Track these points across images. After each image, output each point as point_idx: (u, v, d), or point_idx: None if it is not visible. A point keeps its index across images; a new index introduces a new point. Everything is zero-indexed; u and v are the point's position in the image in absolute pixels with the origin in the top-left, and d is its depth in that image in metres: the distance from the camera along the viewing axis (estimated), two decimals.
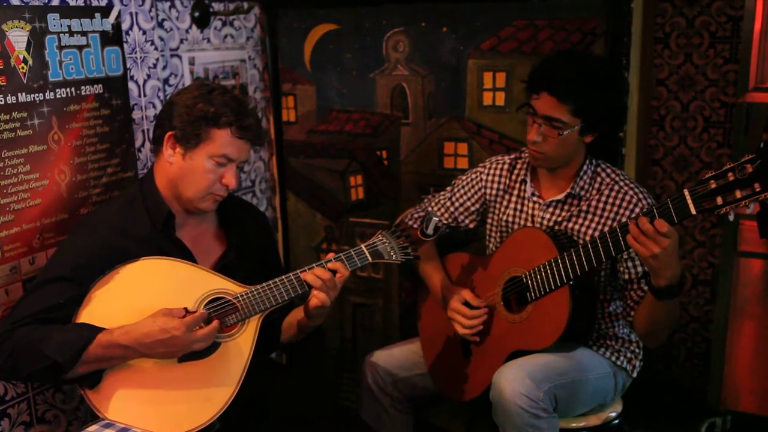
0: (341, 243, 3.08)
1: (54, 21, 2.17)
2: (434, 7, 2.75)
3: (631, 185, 2.12)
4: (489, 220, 2.34)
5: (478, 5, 2.67)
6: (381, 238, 2.01)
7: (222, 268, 2.03)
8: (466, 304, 2.19)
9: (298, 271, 1.95)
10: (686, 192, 1.74)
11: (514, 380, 1.99)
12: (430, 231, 2.04)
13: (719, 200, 1.70)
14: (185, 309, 1.85)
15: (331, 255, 1.98)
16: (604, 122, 2.09)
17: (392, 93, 2.90)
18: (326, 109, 3.03)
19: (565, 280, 2.00)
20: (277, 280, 1.94)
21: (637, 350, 2.24)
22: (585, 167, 2.14)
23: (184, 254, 2.00)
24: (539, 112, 2.05)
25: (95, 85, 2.32)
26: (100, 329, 1.81)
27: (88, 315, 1.86)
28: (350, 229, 3.07)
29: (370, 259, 1.99)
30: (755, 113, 2.68)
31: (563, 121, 2.03)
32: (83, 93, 2.28)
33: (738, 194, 1.67)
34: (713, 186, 1.70)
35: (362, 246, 1.99)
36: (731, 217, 1.71)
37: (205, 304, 1.91)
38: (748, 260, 2.75)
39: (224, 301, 1.93)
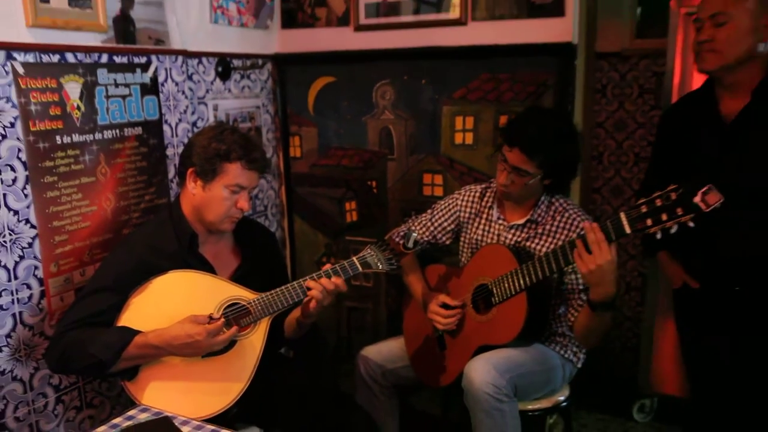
0: (338, 257, 3.06)
1: (102, 75, 2.15)
2: (415, 63, 2.76)
3: (578, 212, 2.11)
4: (462, 238, 2.32)
5: (451, 62, 2.68)
6: (370, 251, 2.00)
7: (238, 278, 2.01)
8: (444, 305, 2.17)
9: (300, 279, 1.93)
10: (622, 215, 1.73)
11: (482, 371, 1.97)
12: (410, 245, 2.02)
13: (649, 222, 1.68)
14: (209, 316, 1.83)
15: (328, 266, 1.95)
16: (563, 171, 2.08)
17: (380, 133, 2.90)
18: (326, 147, 3.02)
19: (523, 287, 1.99)
20: (283, 287, 1.91)
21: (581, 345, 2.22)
22: (542, 199, 2.13)
23: (206, 267, 1.97)
24: (510, 162, 2.04)
25: (136, 128, 2.29)
26: (137, 332, 1.79)
27: (127, 319, 1.84)
28: (346, 246, 3.06)
29: (360, 269, 1.97)
30: None
31: (529, 172, 2.02)
32: (126, 134, 2.26)
33: (664, 217, 1.66)
34: (644, 210, 1.69)
35: (354, 258, 1.97)
36: (658, 236, 1.69)
37: (224, 309, 1.89)
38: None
39: (239, 306, 1.90)
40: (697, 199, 1.59)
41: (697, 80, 2.52)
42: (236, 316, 1.89)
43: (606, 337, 3.14)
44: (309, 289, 1.90)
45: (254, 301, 1.91)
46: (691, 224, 1.62)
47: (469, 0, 2.62)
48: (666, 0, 2.62)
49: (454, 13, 2.66)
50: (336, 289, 1.91)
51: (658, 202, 1.66)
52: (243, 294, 1.92)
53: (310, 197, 3.10)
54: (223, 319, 1.83)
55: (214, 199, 1.93)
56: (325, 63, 2.94)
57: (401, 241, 2.02)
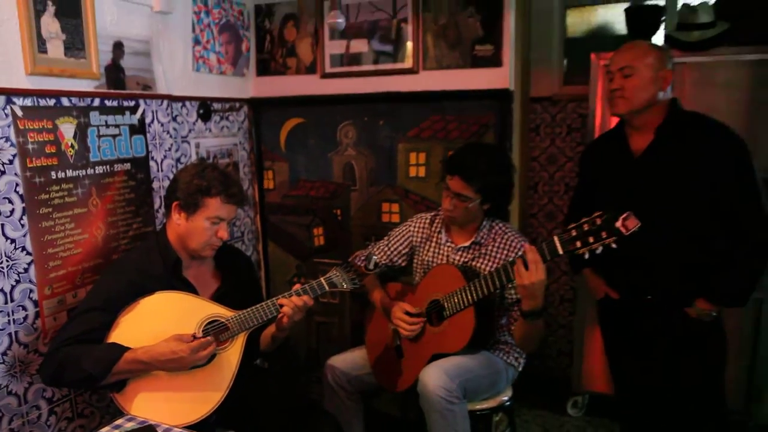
0: (308, 277, 3.04)
1: (95, 117, 2.14)
2: (374, 106, 2.80)
3: (516, 234, 2.15)
4: (415, 260, 2.34)
5: (405, 105, 2.73)
6: (335, 272, 2.00)
7: (218, 298, 1.99)
8: (407, 313, 2.18)
9: (274, 298, 1.92)
10: (556, 238, 1.77)
11: (435, 376, 1.98)
12: (371, 266, 2.03)
13: (578, 244, 1.72)
14: (193, 335, 1.81)
15: (297, 286, 1.95)
16: (499, 196, 2.13)
17: (344, 168, 2.91)
18: (296, 180, 3.02)
19: (470, 302, 2.01)
20: (258, 306, 1.91)
21: (521, 351, 2.25)
22: (484, 223, 2.17)
23: (189, 289, 1.95)
24: (452, 189, 2.08)
25: (125, 164, 2.27)
26: (126, 348, 1.75)
27: (116, 336, 1.81)
28: (314, 267, 3.04)
29: (327, 288, 1.97)
30: None
31: (469, 197, 2.06)
32: (116, 169, 2.23)
33: (591, 240, 1.70)
34: (574, 234, 1.73)
35: (322, 279, 1.98)
36: (586, 256, 1.74)
37: (205, 325, 1.87)
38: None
39: (219, 323, 1.89)
40: (618, 224, 1.64)
41: (615, 121, 2.63)
42: (216, 331, 1.88)
43: (543, 342, 3.20)
44: (282, 306, 1.90)
45: (232, 318, 1.89)
46: (614, 246, 1.67)
47: (420, 52, 2.69)
48: (587, 53, 2.72)
49: (408, 63, 2.71)
50: (305, 306, 1.91)
51: (586, 227, 1.71)
52: (222, 312, 1.90)
53: (282, 224, 3.08)
54: (205, 339, 1.80)
55: (197, 229, 1.91)
56: (295, 106, 2.95)
57: (363, 263, 2.03)
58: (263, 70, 3.03)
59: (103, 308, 1.81)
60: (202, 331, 1.86)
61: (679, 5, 2.79)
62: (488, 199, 2.09)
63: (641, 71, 1.89)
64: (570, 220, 1.86)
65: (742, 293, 1.92)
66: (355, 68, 2.82)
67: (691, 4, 2.53)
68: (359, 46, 2.80)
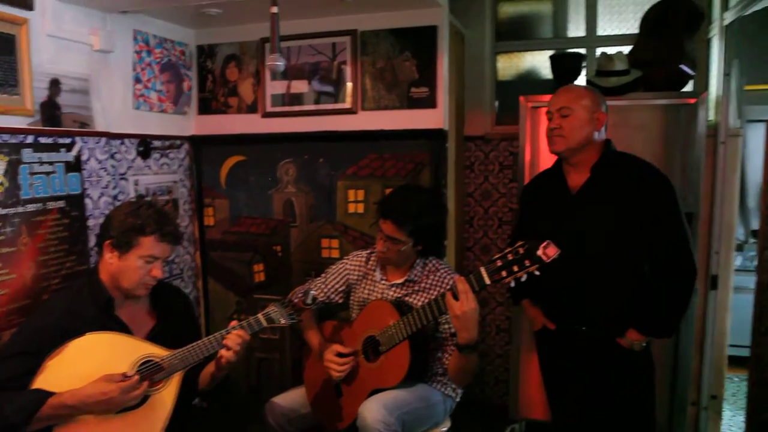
0: (248, 313, 2.95)
1: (27, 154, 2.05)
2: (314, 145, 2.80)
3: (448, 270, 2.17)
4: (352, 297, 2.32)
5: (344, 144, 2.74)
6: (273, 308, 1.96)
7: (153, 337, 1.91)
8: (338, 354, 2.15)
9: (210, 336, 1.86)
10: (482, 269, 1.79)
11: (374, 411, 1.95)
12: (309, 302, 2.00)
13: (504, 273, 1.76)
14: (123, 374, 1.72)
15: (235, 323, 1.90)
16: (431, 238, 2.14)
17: (284, 204, 2.89)
18: (237, 216, 2.98)
19: (405, 336, 2.00)
20: (194, 344, 1.84)
21: None
22: (418, 261, 2.18)
23: (123, 329, 1.87)
24: (385, 232, 2.08)
25: (59, 201, 2.18)
26: (51, 393, 1.65)
27: (42, 381, 1.70)
28: (254, 303, 2.98)
29: (265, 324, 1.93)
30: None
31: (401, 240, 2.07)
32: (48, 207, 2.14)
33: (515, 269, 1.73)
34: (500, 264, 1.76)
35: (260, 315, 1.93)
36: (512, 284, 1.77)
37: (139, 366, 1.79)
38: None
39: (153, 363, 1.81)
40: (539, 252, 1.69)
41: (543, 158, 2.71)
42: (150, 372, 1.79)
43: (480, 371, 3.21)
44: (220, 343, 1.84)
45: (167, 358, 1.82)
46: (537, 273, 1.72)
47: (359, 93, 2.72)
48: (516, 95, 2.81)
49: (348, 104, 2.74)
50: (244, 342, 1.86)
51: (510, 257, 1.74)
52: (157, 351, 1.83)
53: (222, 260, 3.02)
54: (137, 376, 1.72)
55: (129, 268, 1.85)
56: (236, 144, 2.92)
57: (301, 299, 2.00)
58: (205, 108, 2.99)
59: (29, 352, 1.70)
60: (136, 371, 1.77)
61: (598, 54, 2.93)
62: (420, 241, 2.11)
63: (578, 112, 1.97)
64: None
65: (669, 324, 1.99)
66: (296, 108, 2.82)
67: (608, 53, 2.66)
68: (300, 86, 2.81)
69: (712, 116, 2.90)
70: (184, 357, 1.82)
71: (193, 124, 3.00)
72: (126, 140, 2.56)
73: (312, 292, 2.00)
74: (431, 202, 2.13)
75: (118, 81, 2.50)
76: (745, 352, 2.42)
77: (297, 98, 2.82)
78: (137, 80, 2.60)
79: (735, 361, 3.20)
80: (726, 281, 2.85)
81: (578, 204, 2.01)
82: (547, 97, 2.73)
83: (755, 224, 3.90)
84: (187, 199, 3.00)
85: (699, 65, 2.86)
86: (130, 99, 2.56)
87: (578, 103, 1.97)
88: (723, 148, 2.78)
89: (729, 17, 2.70)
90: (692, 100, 2.52)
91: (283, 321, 1.95)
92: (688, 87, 2.75)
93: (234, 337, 1.84)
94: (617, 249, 1.95)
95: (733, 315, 2.89)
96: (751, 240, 4.02)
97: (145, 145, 2.67)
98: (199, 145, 2.99)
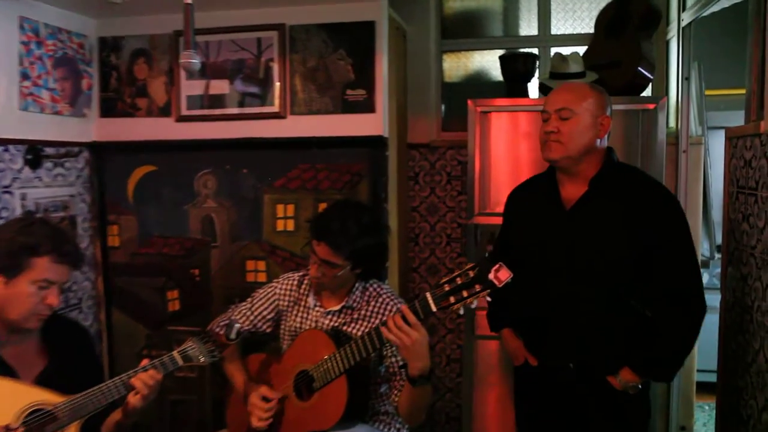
0: (160, 349, 2.90)
1: None
2: (236, 154, 2.79)
3: (391, 295, 2.18)
4: (282, 326, 2.30)
5: (271, 153, 2.74)
6: (191, 344, 1.92)
7: (43, 380, 1.83)
8: (264, 398, 2.12)
9: (116, 378, 1.81)
10: (428, 294, 1.80)
11: None
12: (233, 335, 1.97)
13: (452, 299, 1.77)
14: (6, 427, 1.64)
15: (146, 361, 1.85)
16: (371, 260, 2.15)
17: (203, 221, 2.86)
18: (147, 236, 2.93)
19: (342, 370, 1.99)
20: (95, 388, 1.78)
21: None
22: (357, 285, 2.19)
23: (6, 371, 1.78)
24: (319, 255, 2.07)
25: None
26: None
27: None
28: (168, 337, 2.92)
29: (181, 362, 1.88)
30: (481, 231, 2.89)
31: (338, 264, 2.07)
32: None
33: (465, 294, 1.75)
34: (447, 288, 1.78)
35: (175, 353, 1.89)
36: (461, 312, 1.78)
37: (26, 417, 1.70)
38: (485, 341, 2.86)
39: (44, 412, 1.73)
40: (491, 275, 1.71)
41: (495, 167, 2.78)
42: (40, 423, 1.72)
43: (429, 408, 3.23)
44: (127, 386, 1.79)
45: (61, 405, 1.75)
46: (488, 299, 1.75)
47: (288, 95, 2.72)
48: (465, 98, 2.87)
49: (275, 107, 2.74)
50: (156, 384, 1.82)
51: (459, 281, 1.76)
52: (48, 398, 1.75)
53: (130, 287, 2.96)
54: (22, 429, 1.65)
55: (19, 295, 1.77)
56: (146, 152, 2.88)
57: (223, 332, 1.97)
58: (108, 110, 2.93)
59: None
60: (22, 422, 1.70)
61: (552, 54, 3.04)
62: (359, 264, 2.11)
63: (580, 115, 1.90)
64: None
65: (670, 366, 1.93)
66: (216, 111, 2.80)
67: (563, 54, 2.76)
68: (220, 86, 2.80)
69: (672, 123, 3.06)
70: (81, 404, 1.76)
71: (93, 128, 2.93)
72: (10, 147, 2.47)
73: (236, 325, 1.98)
74: (371, 220, 2.14)
75: (0, 77, 2.41)
76: (715, 378, 2.52)
77: (217, 100, 2.81)
78: (24, 76, 2.52)
79: (704, 388, 3.32)
80: None
81: (572, 221, 1.96)
82: (498, 101, 2.84)
83: (721, 238, 4.08)
84: (86, 216, 2.92)
85: (658, 68, 3.01)
86: (15, 98, 2.48)
87: (581, 104, 1.91)
88: (684, 156, 2.92)
89: (687, 18, 2.87)
90: (651, 106, 2.64)
91: (202, 359, 1.90)
92: (647, 91, 2.88)
93: (143, 379, 1.79)
94: (614, 275, 1.90)
95: (700, 337, 3.04)
96: (717, 256, 4.20)
97: (35, 153, 2.58)
98: (101, 153, 2.93)
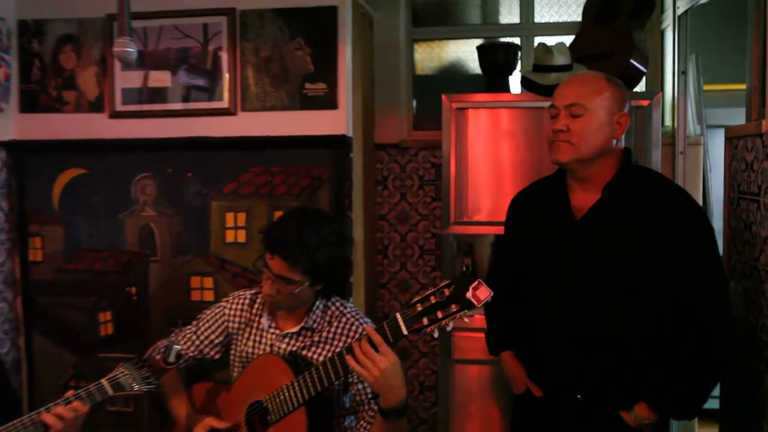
0: (90, 379, 2.83)
1: None
2: (180, 155, 2.77)
3: (357, 315, 2.18)
4: (232, 351, 2.28)
5: (220, 154, 2.73)
6: (123, 370, 1.90)
7: None
8: (212, 430, 2.09)
9: (33, 413, 1.77)
10: (398, 315, 1.80)
11: None
12: (171, 359, 1.95)
13: (425, 321, 1.77)
14: None
15: (70, 393, 1.83)
16: (333, 275, 2.14)
17: (140, 232, 2.84)
18: (75, 249, 2.89)
19: (301, 401, 1.98)
20: (10, 424, 1.74)
21: None
22: (317, 304, 2.18)
23: None
24: (273, 271, 2.06)
25: None
26: None
27: None
28: (100, 365, 2.87)
29: (111, 392, 1.87)
30: (458, 242, 2.91)
31: (295, 280, 2.05)
32: None
33: (439, 314, 1.75)
34: (420, 309, 1.78)
35: (103, 381, 1.87)
36: (435, 335, 1.79)
37: None
38: (464, 366, 2.87)
39: None
40: (469, 294, 1.72)
41: (473, 171, 2.80)
42: None
43: None
44: (37, 425, 1.75)
45: None
46: (466, 320, 1.74)
47: (239, 89, 2.71)
48: (439, 93, 2.89)
49: (224, 102, 2.72)
50: (76, 419, 1.78)
51: (433, 300, 1.76)
52: None
53: (55, 309, 2.92)
54: None
55: None
56: (75, 152, 2.86)
57: (161, 356, 1.95)
58: (30, 105, 2.90)
59: None
60: None
61: (535, 44, 3.08)
62: (319, 280, 2.10)
63: (594, 111, 1.88)
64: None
65: (693, 402, 1.89)
66: (156, 107, 2.79)
67: (547, 44, 2.79)
68: (162, 79, 2.78)
69: (668, 121, 3.11)
70: None
71: (12, 125, 2.90)
72: None
73: (176, 347, 1.96)
74: (333, 230, 2.13)
75: None
76: (717, 404, 2.54)
77: (158, 94, 2.79)
78: None
79: (707, 416, 3.34)
80: None
81: (582, 232, 1.94)
82: (476, 97, 2.87)
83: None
84: (3, 226, 2.89)
85: (652, 61, 3.07)
86: None
87: (595, 99, 1.89)
88: (682, 158, 2.98)
89: (683, 5, 2.93)
90: (645, 102, 2.69)
91: (136, 387, 1.89)
92: (640, 86, 2.94)
93: (60, 413, 1.76)
94: (630, 297, 1.89)
95: None
96: None
97: None
98: (21, 153, 2.90)
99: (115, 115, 2.82)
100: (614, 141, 1.92)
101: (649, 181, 1.96)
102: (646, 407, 1.89)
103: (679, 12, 2.97)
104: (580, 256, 1.93)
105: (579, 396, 1.96)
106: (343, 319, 2.17)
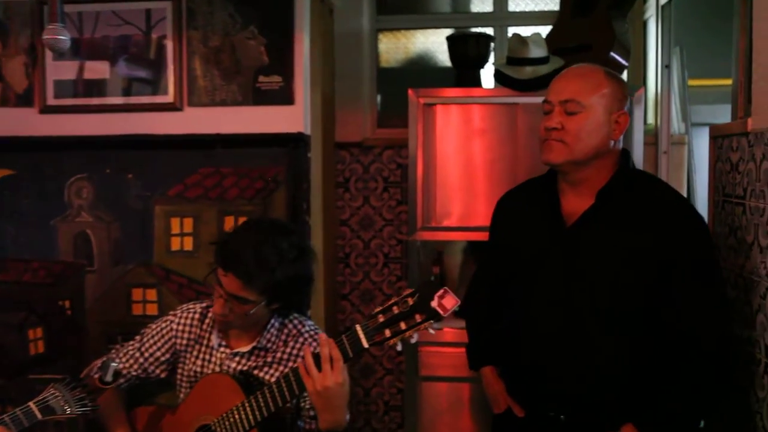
0: (18, 404, 2.79)
1: None
2: (120, 154, 2.76)
3: (314, 334, 2.18)
4: (179, 370, 2.27)
5: (164, 153, 2.72)
6: (53, 391, 1.89)
7: None
8: None
9: None
10: (358, 327, 1.81)
11: None
12: (109, 378, 1.94)
13: (387, 333, 1.79)
14: None
15: None
16: (291, 294, 2.14)
17: (75, 240, 2.82)
18: (0, 259, 2.86)
19: (253, 424, 1.98)
20: None
21: None
22: (273, 322, 2.18)
23: None
24: (226, 289, 2.05)
25: None
26: None
27: None
28: (30, 387, 2.81)
29: (39, 416, 1.85)
30: (425, 249, 2.93)
31: (250, 300, 2.05)
32: None
33: (403, 326, 1.77)
34: (381, 320, 1.79)
35: (31, 404, 1.85)
36: (399, 348, 1.81)
37: None
38: (432, 384, 2.90)
39: None
40: (434, 303, 1.74)
41: (442, 172, 2.83)
42: None
43: None
44: None
45: None
46: (432, 331, 1.77)
47: (185, 82, 2.71)
48: (405, 88, 2.91)
49: (169, 96, 2.72)
50: None
51: (396, 310, 1.78)
52: None
53: None
54: None
55: None
56: (0, 151, 2.83)
57: (98, 374, 1.94)
58: None
59: None
60: None
61: (509, 35, 3.11)
62: (277, 299, 2.10)
63: (592, 109, 1.89)
64: (470, 298, 1.86)
65: (685, 425, 1.91)
66: (93, 101, 2.78)
67: (522, 35, 2.83)
68: (99, 70, 2.77)
69: (650, 118, 3.18)
70: None
71: None
72: None
73: (113, 364, 1.94)
74: (294, 245, 2.13)
75: None
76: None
77: (95, 87, 2.78)
78: None
79: None
80: None
81: (573, 241, 1.95)
82: (445, 91, 2.90)
83: None
84: None
85: (634, 54, 3.13)
86: None
87: (593, 95, 1.89)
88: (665, 158, 3.04)
89: None
90: None
91: (68, 410, 1.88)
92: None
93: None
94: (621, 311, 1.90)
95: None
96: None
97: None
98: None
99: (47, 109, 2.80)
100: (611, 142, 1.93)
101: (649, 187, 1.97)
102: (635, 429, 1.90)
103: (662, 1, 3.03)
104: (569, 266, 1.94)
105: (563, 416, 1.98)
106: (300, 339, 2.17)
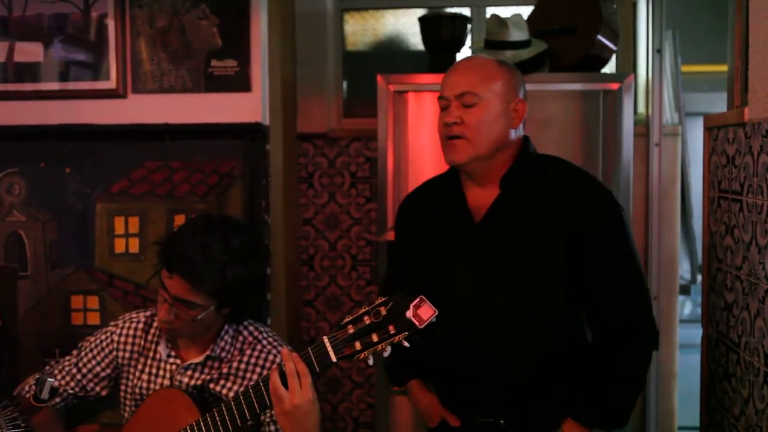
0: None
1: None
2: (56, 146, 2.75)
3: (275, 343, 2.18)
4: (123, 386, 2.25)
5: (105, 145, 2.71)
6: None
7: None
8: None
9: None
10: (326, 339, 1.81)
11: None
12: (44, 395, 1.93)
13: (358, 345, 1.78)
14: None
15: None
16: (244, 297, 2.13)
17: (6, 242, 2.81)
18: None
19: None
20: None
21: None
22: (226, 329, 2.17)
23: None
24: (171, 292, 2.03)
25: None
26: None
27: None
28: None
29: None
30: None
31: (197, 304, 2.04)
32: None
33: (375, 338, 1.77)
34: (351, 331, 1.78)
35: None
36: (370, 362, 1.80)
37: None
38: (405, 398, 2.87)
39: None
40: (409, 313, 1.73)
41: (414, 165, 2.84)
42: None
43: None
44: None
45: None
46: (406, 344, 1.77)
47: (129, 66, 2.69)
48: (373, 74, 2.91)
49: (111, 82, 2.70)
50: None
51: (367, 320, 1.78)
52: None
53: None
54: None
55: None
56: None
57: (32, 391, 1.92)
58: None
59: None
60: None
61: (488, 16, 3.13)
62: (227, 303, 2.09)
63: (488, 100, 1.95)
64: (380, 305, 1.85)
65: (621, 409, 2.00)
66: (25, 86, 2.77)
67: (501, 16, 2.84)
68: (32, 52, 2.76)
69: (641, 108, 3.21)
70: None
71: None
72: None
73: (50, 380, 1.93)
74: (245, 242, 2.13)
75: None
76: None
77: (27, 71, 2.77)
78: None
79: None
80: (670, 337, 3.13)
81: (484, 235, 2.02)
82: (417, 77, 2.90)
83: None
84: None
85: (623, 37, 3.16)
86: None
87: (488, 86, 1.96)
88: (657, 151, 3.07)
89: None
90: (615, 85, 2.76)
91: None
92: (609, 67, 3.02)
93: None
94: (542, 304, 1.98)
95: (679, 383, 3.17)
96: (700, 278, 4.38)
97: None
98: None
99: None
100: (512, 131, 2.01)
101: (552, 168, 2.05)
102: (576, 424, 2.00)
103: None
104: (483, 262, 2.00)
105: (502, 421, 2.04)
106: (258, 347, 2.17)
